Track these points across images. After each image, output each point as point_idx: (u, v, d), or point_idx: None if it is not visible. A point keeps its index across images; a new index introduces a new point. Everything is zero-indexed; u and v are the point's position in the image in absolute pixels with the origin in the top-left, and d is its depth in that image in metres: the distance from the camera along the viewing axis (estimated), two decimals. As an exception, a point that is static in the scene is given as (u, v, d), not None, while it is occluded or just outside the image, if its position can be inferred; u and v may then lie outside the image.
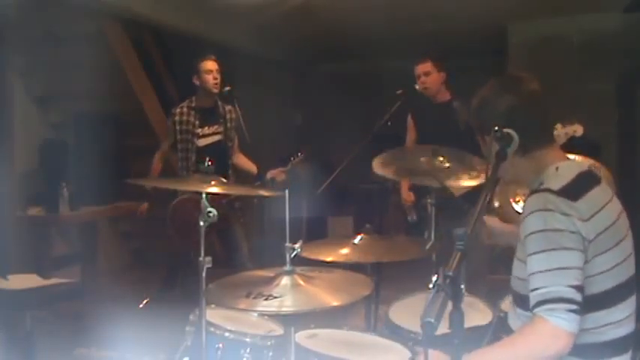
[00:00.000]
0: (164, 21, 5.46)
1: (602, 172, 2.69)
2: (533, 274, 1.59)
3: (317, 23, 6.09)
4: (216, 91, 4.00)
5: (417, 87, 3.95)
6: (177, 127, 4.03)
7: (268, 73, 7.49)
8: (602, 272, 1.64)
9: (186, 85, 4.19)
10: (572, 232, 1.59)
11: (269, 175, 3.90)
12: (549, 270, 1.56)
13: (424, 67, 3.94)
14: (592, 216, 1.63)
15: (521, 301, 1.75)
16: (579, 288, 1.56)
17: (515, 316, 1.81)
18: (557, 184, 1.66)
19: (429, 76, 3.93)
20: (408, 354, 1.94)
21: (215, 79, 3.97)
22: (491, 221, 2.22)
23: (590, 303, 1.61)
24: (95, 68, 4.86)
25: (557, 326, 1.53)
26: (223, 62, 4.07)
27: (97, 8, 4.95)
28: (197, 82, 4.00)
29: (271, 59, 7.63)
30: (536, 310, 1.56)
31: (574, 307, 1.53)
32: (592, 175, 1.75)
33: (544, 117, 1.77)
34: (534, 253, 1.60)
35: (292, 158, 3.90)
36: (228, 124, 4.07)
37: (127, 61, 5.55)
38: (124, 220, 5.85)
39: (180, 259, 4.35)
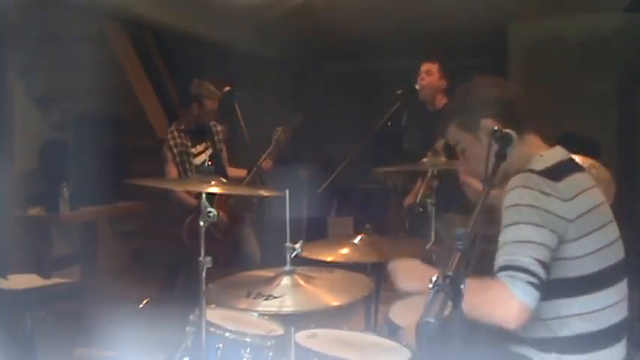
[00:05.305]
0: (164, 21, 5.46)
1: (602, 172, 2.70)
2: (502, 244, 1.63)
3: (317, 23, 6.09)
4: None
5: (417, 86, 3.93)
6: (175, 150, 4.07)
7: (268, 73, 7.48)
8: (587, 254, 1.67)
9: (186, 85, 4.20)
10: (547, 212, 1.62)
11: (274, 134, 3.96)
12: (517, 241, 1.60)
13: (429, 66, 3.92)
14: (574, 197, 1.68)
15: None
16: (543, 264, 1.57)
17: None
18: (540, 166, 1.73)
19: (429, 76, 3.91)
20: (408, 354, 1.94)
21: (213, 117, 4.12)
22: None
23: (577, 285, 1.64)
24: (95, 68, 4.85)
25: (513, 294, 1.54)
26: (223, 62, 4.07)
27: (97, 8, 4.96)
28: (195, 111, 4.05)
29: (271, 59, 7.63)
30: (499, 273, 1.59)
31: (534, 280, 1.55)
32: (575, 163, 1.82)
33: (526, 106, 1.87)
34: (506, 226, 1.64)
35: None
36: (216, 138, 4.17)
37: (127, 61, 5.56)
38: (124, 220, 5.85)
39: (180, 259, 4.35)
